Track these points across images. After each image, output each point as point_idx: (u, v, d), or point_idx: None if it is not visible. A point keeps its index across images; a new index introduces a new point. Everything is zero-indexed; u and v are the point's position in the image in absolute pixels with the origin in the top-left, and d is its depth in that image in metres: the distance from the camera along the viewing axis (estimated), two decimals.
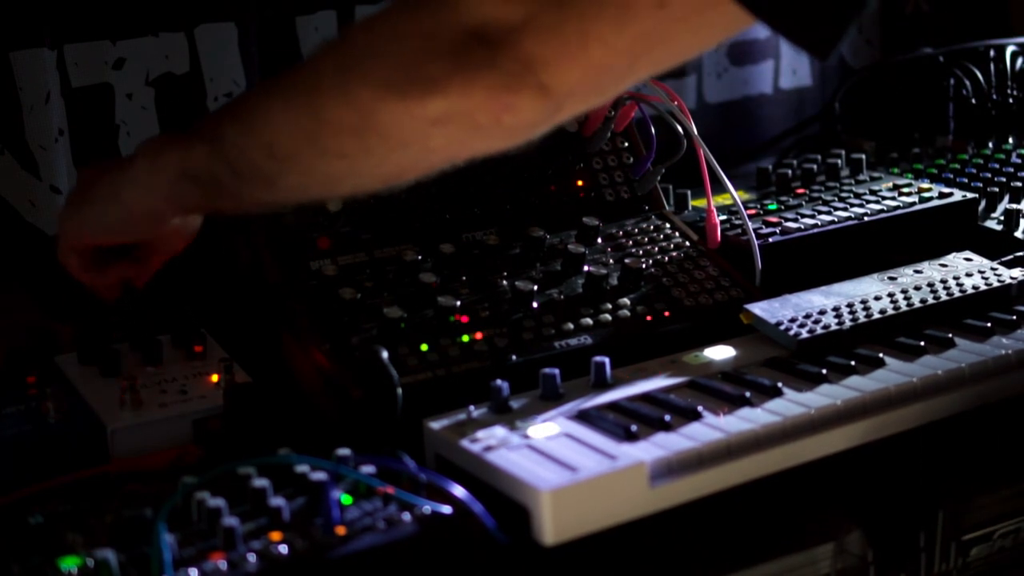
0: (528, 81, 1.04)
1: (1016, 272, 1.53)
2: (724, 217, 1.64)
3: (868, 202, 1.71)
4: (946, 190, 1.75)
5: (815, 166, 1.83)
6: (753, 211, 1.69)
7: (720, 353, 1.38)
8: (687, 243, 1.59)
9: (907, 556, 1.27)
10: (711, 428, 1.20)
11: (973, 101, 2.09)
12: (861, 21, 2.38)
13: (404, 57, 1.07)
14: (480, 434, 1.19)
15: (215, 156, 1.21)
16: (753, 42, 2.27)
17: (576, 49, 1.03)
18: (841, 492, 1.25)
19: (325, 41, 1.21)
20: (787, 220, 1.65)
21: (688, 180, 1.69)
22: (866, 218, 1.66)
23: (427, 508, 1.08)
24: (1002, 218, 1.73)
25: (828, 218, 1.65)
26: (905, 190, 1.75)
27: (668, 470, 1.15)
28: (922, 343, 1.36)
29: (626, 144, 1.67)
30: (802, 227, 1.63)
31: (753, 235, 1.56)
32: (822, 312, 1.42)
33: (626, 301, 1.46)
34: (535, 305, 1.43)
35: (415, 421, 1.24)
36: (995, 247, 1.63)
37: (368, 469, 1.12)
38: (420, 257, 1.46)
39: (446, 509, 1.08)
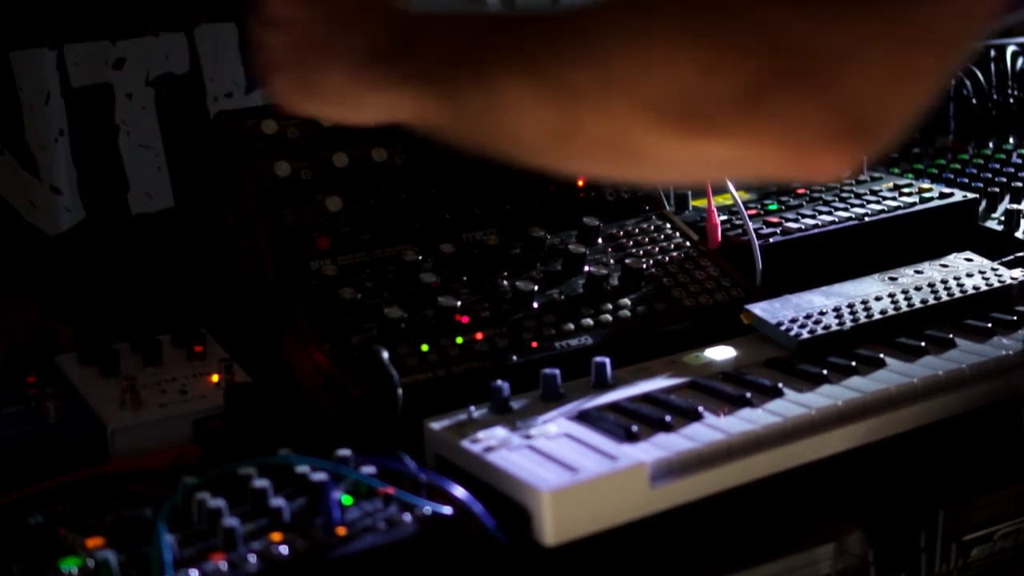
0: (860, 145, 0.89)
1: (1016, 272, 1.53)
2: (724, 217, 1.64)
3: (868, 202, 1.71)
4: (947, 190, 1.75)
5: None
6: (753, 211, 1.69)
7: (720, 353, 1.38)
8: (687, 243, 1.59)
9: (907, 556, 1.27)
10: (712, 429, 1.20)
11: (973, 101, 2.09)
12: None
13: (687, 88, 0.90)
14: (480, 434, 1.19)
15: (449, 114, 1.05)
16: None
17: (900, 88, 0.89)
18: (841, 492, 1.25)
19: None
20: (787, 220, 1.65)
21: None
22: (867, 218, 1.66)
23: (427, 508, 1.08)
24: (1003, 218, 1.73)
25: (828, 218, 1.65)
26: (905, 190, 1.75)
27: (669, 471, 1.15)
28: (923, 343, 1.36)
29: None
30: (802, 227, 1.63)
31: (753, 235, 1.56)
32: (822, 312, 1.42)
33: (626, 301, 1.46)
34: (535, 305, 1.43)
35: (415, 421, 1.24)
36: (995, 247, 1.63)
37: (368, 469, 1.12)
38: (420, 257, 1.46)
39: (446, 509, 1.08)
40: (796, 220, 1.65)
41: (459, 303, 1.40)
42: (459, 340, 1.37)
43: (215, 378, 1.41)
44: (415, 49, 1.06)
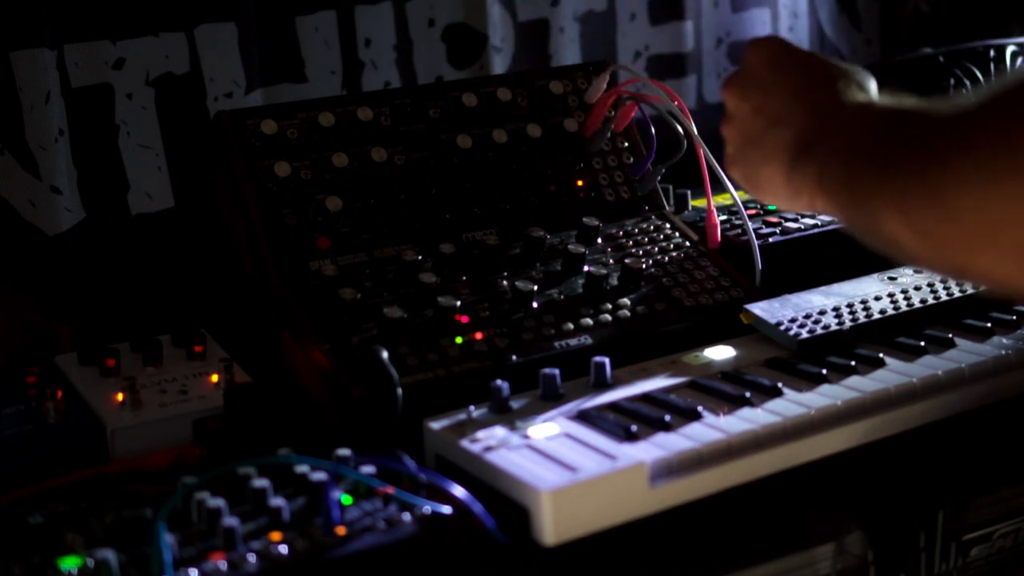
0: None
1: None
2: (724, 217, 1.64)
3: None
4: None
5: None
6: (753, 211, 1.69)
7: (720, 353, 1.38)
8: (687, 243, 1.59)
9: (907, 556, 1.27)
10: (711, 428, 1.20)
11: None
12: (863, 18, 2.38)
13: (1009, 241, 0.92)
14: (480, 434, 1.19)
15: (842, 202, 1.13)
16: None
17: None
18: (841, 492, 1.25)
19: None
20: (787, 220, 1.65)
21: (688, 180, 1.69)
22: None
23: (427, 508, 1.08)
24: None
25: (828, 218, 1.65)
26: None
27: (668, 470, 1.15)
28: (922, 343, 1.36)
29: (626, 144, 1.67)
30: (802, 227, 1.63)
31: (753, 235, 1.56)
32: (822, 312, 1.42)
33: (626, 301, 1.46)
34: (535, 305, 1.43)
35: (415, 421, 1.24)
36: None
37: (368, 469, 1.12)
38: (420, 257, 1.46)
39: (446, 509, 1.08)
40: (796, 220, 1.65)
41: (459, 303, 1.40)
42: (459, 340, 1.37)
43: (215, 378, 1.41)
44: (820, 157, 1.13)
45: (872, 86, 1.19)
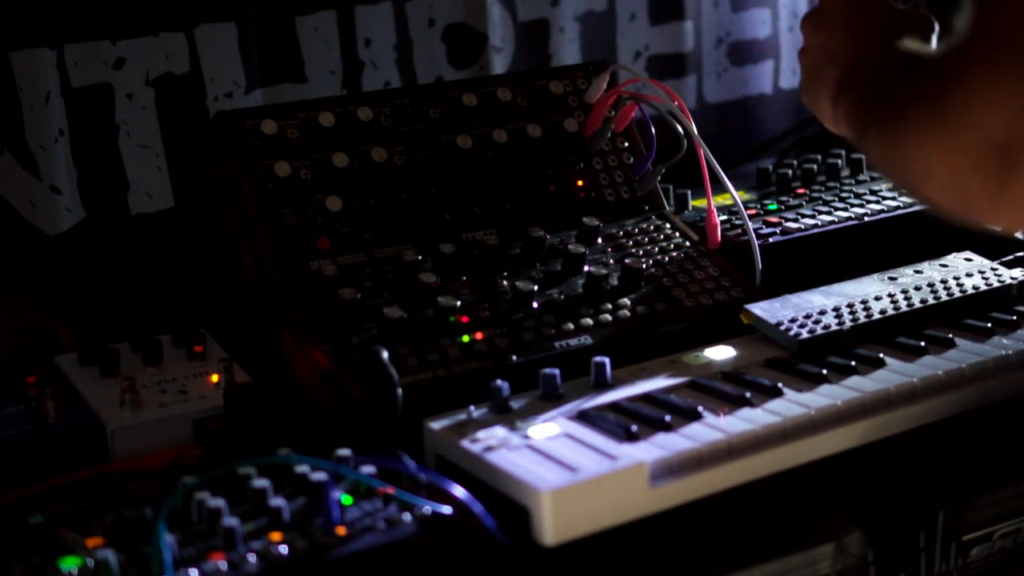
0: None
1: (1016, 272, 1.53)
2: (724, 217, 1.64)
3: (868, 202, 1.71)
4: None
5: (815, 166, 1.83)
6: (753, 211, 1.69)
7: (720, 353, 1.38)
8: (687, 243, 1.59)
9: (907, 556, 1.27)
10: (711, 428, 1.20)
11: None
12: None
13: (943, 179, 1.07)
14: (480, 434, 1.19)
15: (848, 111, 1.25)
16: (753, 42, 2.27)
17: None
18: (841, 492, 1.25)
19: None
20: (787, 220, 1.65)
21: (688, 180, 1.69)
22: (866, 218, 1.66)
23: (427, 508, 1.08)
24: None
25: (828, 218, 1.65)
26: None
27: (668, 470, 1.15)
28: (922, 343, 1.36)
29: (626, 144, 1.67)
30: (802, 227, 1.63)
31: (753, 235, 1.56)
32: (822, 312, 1.42)
33: (626, 301, 1.46)
34: (535, 305, 1.43)
35: (415, 421, 1.24)
36: (995, 247, 1.63)
37: (368, 469, 1.12)
38: (420, 257, 1.46)
39: (446, 509, 1.08)
40: (796, 220, 1.65)
41: (459, 303, 1.40)
42: (459, 340, 1.37)
43: (215, 378, 1.41)
44: (849, 97, 1.25)
45: (929, 31, 1.30)
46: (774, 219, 1.66)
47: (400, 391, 1.25)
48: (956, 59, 1.07)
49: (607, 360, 1.31)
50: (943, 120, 1.05)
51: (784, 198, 1.75)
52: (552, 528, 1.08)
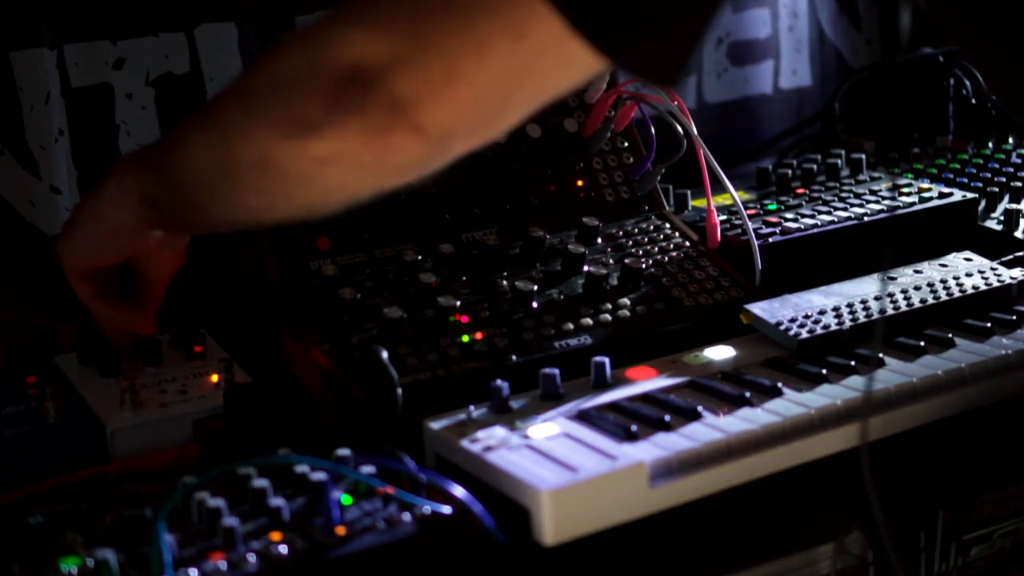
0: (400, 122, 1.05)
1: (1016, 272, 1.53)
2: (724, 217, 1.64)
3: (868, 202, 1.71)
4: (946, 190, 1.75)
5: (815, 166, 1.83)
6: (753, 211, 1.69)
7: (720, 353, 1.38)
8: (687, 243, 1.59)
9: (907, 556, 1.27)
10: (711, 428, 1.20)
11: (973, 101, 2.09)
12: (863, 18, 2.38)
13: (288, 98, 1.09)
14: (480, 434, 1.19)
15: (159, 183, 1.26)
16: (753, 42, 2.27)
17: (443, 87, 1.04)
18: (841, 492, 1.25)
19: (236, 74, 1.28)
20: (787, 220, 1.65)
21: (688, 180, 1.69)
22: (866, 218, 1.66)
23: (427, 508, 1.08)
24: (1002, 218, 1.73)
25: (828, 218, 1.65)
26: (905, 190, 1.75)
27: (668, 470, 1.15)
28: (922, 343, 1.36)
29: (626, 144, 1.67)
30: (802, 227, 1.63)
31: (753, 235, 1.56)
32: (822, 312, 1.42)
33: (626, 301, 1.46)
34: (535, 305, 1.43)
35: (415, 421, 1.24)
36: (995, 247, 1.63)
37: (368, 469, 1.12)
38: (420, 257, 1.46)
39: (446, 509, 1.08)
40: (796, 220, 1.65)
41: (459, 303, 1.40)
42: (459, 340, 1.37)
43: (215, 378, 1.41)
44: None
45: None
46: (774, 219, 1.66)
47: (400, 391, 1.25)
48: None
49: (607, 360, 1.31)
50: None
51: (784, 198, 1.75)
52: (552, 528, 1.09)
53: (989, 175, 1.86)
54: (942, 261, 1.57)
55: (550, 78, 1.08)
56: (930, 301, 1.46)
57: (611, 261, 1.53)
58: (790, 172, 1.82)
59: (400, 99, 1.04)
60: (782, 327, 1.39)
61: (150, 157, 1.29)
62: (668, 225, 1.62)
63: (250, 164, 1.13)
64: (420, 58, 1.04)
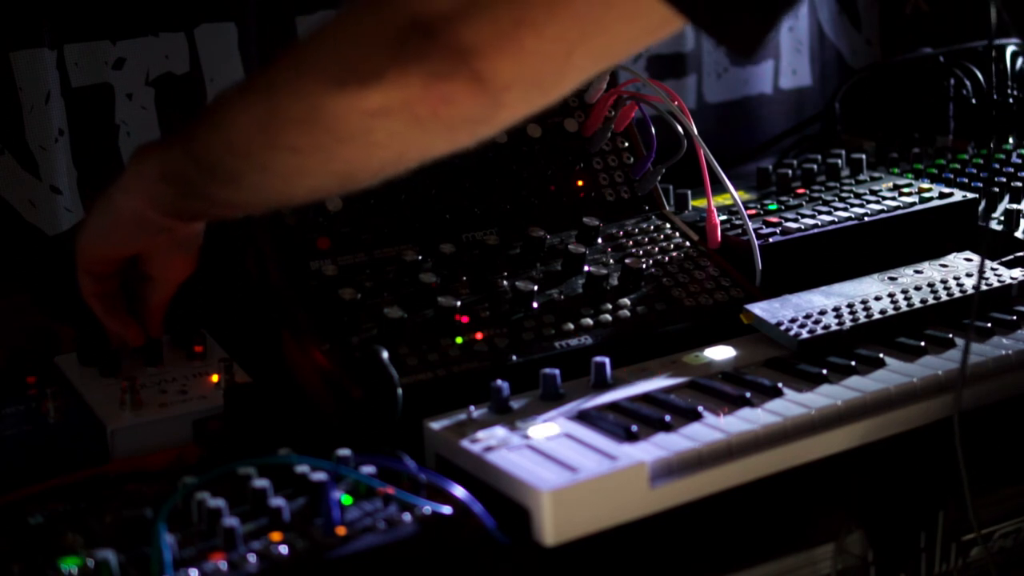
0: (462, 70, 1.05)
1: (1016, 272, 1.53)
2: (724, 217, 1.64)
3: (868, 202, 1.71)
4: (946, 190, 1.75)
5: (815, 166, 1.83)
6: (753, 211, 1.69)
7: (720, 353, 1.38)
8: (687, 243, 1.59)
9: (907, 556, 1.27)
10: (711, 428, 1.20)
11: (973, 101, 2.09)
12: (863, 18, 2.38)
13: (349, 51, 1.09)
14: (480, 434, 1.19)
15: (187, 154, 1.24)
16: None
17: (509, 36, 1.04)
18: (841, 492, 1.25)
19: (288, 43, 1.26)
20: (787, 220, 1.65)
21: (688, 180, 1.69)
22: (866, 218, 1.66)
23: (427, 508, 1.08)
24: (1002, 218, 1.73)
25: (828, 218, 1.65)
26: (905, 190, 1.75)
27: (668, 470, 1.15)
28: (922, 343, 1.36)
29: (626, 144, 1.67)
30: (802, 227, 1.63)
31: (753, 235, 1.56)
32: (822, 312, 1.42)
33: (626, 301, 1.46)
34: (535, 305, 1.43)
35: (415, 421, 1.24)
36: (995, 247, 1.63)
37: (368, 469, 1.12)
38: (420, 257, 1.46)
39: (446, 509, 1.08)
40: (796, 220, 1.65)
41: (459, 303, 1.40)
42: (459, 340, 1.37)
43: (215, 378, 1.41)
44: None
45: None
46: (774, 219, 1.66)
47: (400, 391, 1.25)
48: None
49: (607, 360, 1.31)
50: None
51: (784, 198, 1.75)
52: (552, 528, 1.09)
53: (989, 175, 1.86)
54: (942, 261, 1.57)
55: (618, 34, 1.06)
56: (930, 301, 1.46)
57: (611, 261, 1.53)
58: (790, 172, 1.82)
59: (465, 46, 1.04)
60: (782, 327, 1.39)
61: (178, 134, 1.27)
62: (668, 225, 1.62)
63: (294, 119, 1.13)
64: (489, 6, 1.03)
